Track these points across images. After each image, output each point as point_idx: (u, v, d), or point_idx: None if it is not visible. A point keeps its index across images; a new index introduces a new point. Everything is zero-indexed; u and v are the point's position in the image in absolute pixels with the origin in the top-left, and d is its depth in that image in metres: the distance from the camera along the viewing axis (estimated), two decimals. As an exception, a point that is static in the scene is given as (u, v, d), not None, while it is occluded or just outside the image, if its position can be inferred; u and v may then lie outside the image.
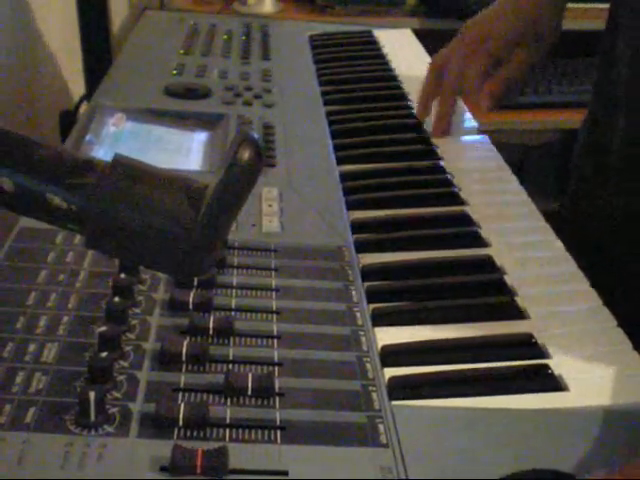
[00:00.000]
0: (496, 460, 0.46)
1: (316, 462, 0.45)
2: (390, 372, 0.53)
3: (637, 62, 0.80)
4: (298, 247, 0.66)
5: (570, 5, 1.67)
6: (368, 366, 0.53)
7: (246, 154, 0.37)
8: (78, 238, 0.63)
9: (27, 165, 0.37)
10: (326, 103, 1.00)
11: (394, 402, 0.50)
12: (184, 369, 0.51)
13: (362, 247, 0.68)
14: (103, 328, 0.51)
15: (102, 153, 0.80)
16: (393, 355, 0.55)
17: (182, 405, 0.46)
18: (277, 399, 0.49)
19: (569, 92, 1.60)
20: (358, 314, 0.58)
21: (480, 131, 0.95)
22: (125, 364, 0.50)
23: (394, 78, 1.10)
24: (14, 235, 0.63)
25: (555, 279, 0.65)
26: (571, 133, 1.81)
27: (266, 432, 0.46)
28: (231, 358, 0.52)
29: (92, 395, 0.45)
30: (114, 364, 0.49)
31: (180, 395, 0.48)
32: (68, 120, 1.22)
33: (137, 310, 0.56)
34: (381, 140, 0.90)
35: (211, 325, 0.54)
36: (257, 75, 1.05)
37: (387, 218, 0.74)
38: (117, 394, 0.48)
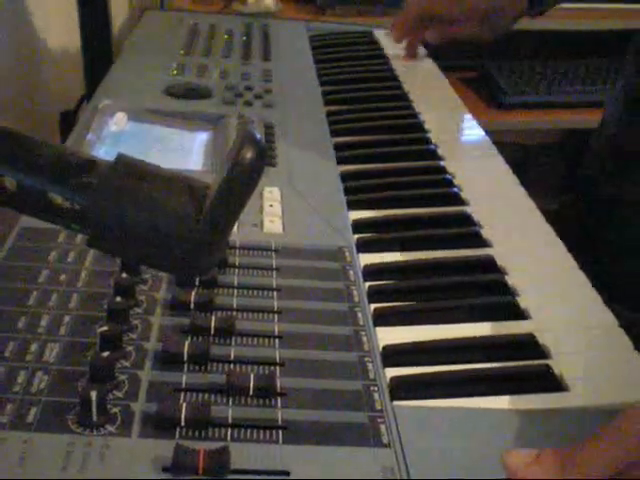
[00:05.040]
0: (497, 460, 0.46)
1: (318, 462, 0.45)
2: (391, 372, 0.53)
3: None
4: (299, 247, 0.66)
5: (570, 5, 1.68)
6: (369, 366, 0.53)
7: (249, 153, 0.37)
8: (80, 237, 0.63)
9: (29, 164, 0.37)
10: (326, 103, 1.00)
11: (396, 402, 0.50)
12: (186, 369, 0.51)
13: (363, 247, 0.68)
14: (104, 328, 0.51)
15: (102, 153, 0.80)
16: (394, 355, 0.55)
17: (184, 405, 0.46)
18: (279, 399, 0.49)
19: (569, 92, 1.60)
20: (359, 314, 0.58)
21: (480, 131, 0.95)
22: (127, 364, 0.50)
23: (394, 78, 1.10)
24: (15, 234, 0.63)
25: (556, 279, 0.65)
26: (571, 133, 1.81)
27: (268, 432, 0.46)
28: (233, 358, 0.52)
29: (94, 395, 0.45)
30: (116, 364, 0.49)
31: (182, 395, 0.48)
32: (68, 120, 1.22)
33: (139, 310, 0.56)
34: (381, 140, 0.91)
35: (212, 325, 0.54)
36: (257, 75, 1.05)
37: (388, 218, 0.74)
38: (119, 394, 0.48)
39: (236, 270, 0.61)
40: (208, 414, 0.46)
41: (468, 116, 1.00)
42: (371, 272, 0.64)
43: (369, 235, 0.70)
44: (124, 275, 0.57)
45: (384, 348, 0.56)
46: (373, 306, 0.60)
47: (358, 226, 0.71)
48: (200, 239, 0.37)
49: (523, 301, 0.61)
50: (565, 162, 1.91)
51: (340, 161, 0.84)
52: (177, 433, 0.45)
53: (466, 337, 0.58)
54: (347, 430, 0.47)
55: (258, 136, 0.38)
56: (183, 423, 0.46)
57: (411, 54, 1.19)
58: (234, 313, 0.56)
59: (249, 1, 1.57)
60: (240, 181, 0.37)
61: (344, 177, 0.80)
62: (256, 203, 0.71)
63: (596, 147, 1.00)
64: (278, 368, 0.52)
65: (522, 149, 1.85)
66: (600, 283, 0.64)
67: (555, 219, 0.75)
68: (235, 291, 0.59)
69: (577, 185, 1.03)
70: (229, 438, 0.46)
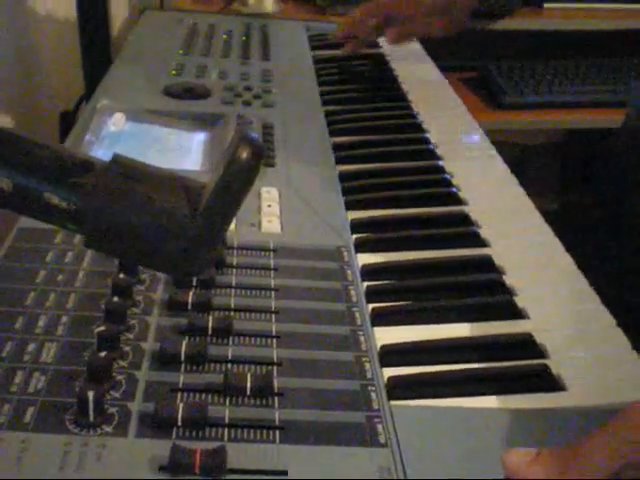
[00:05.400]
0: (495, 460, 0.46)
1: (315, 462, 0.45)
2: (389, 372, 0.53)
3: None
4: (297, 247, 0.66)
5: (571, 5, 1.67)
6: (367, 366, 0.53)
7: (245, 153, 0.37)
8: (77, 238, 0.63)
9: (26, 165, 0.37)
10: (326, 103, 1.00)
11: (393, 402, 0.50)
12: (183, 369, 0.51)
13: (361, 247, 0.68)
14: (102, 328, 0.51)
15: (101, 153, 0.80)
16: (392, 355, 0.55)
17: (181, 405, 0.46)
18: (276, 399, 0.49)
19: (569, 92, 1.60)
20: (357, 314, 0.58)
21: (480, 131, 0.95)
22: (124, 364, 0.50)
23: (394, 78, 1.10)
24: (13, 235, 0.63)
25: (554, 279, 0.65)
26: (571, 133, 1.81)
27: (265, 432, 0.46)
28: (230, 358, 0.52)
29: (91, 395, 0.45)
30: (113, 364, 0.49)
31: (179, 395, 0.48)
32: (68, 120, 1.22)
33: (136, 310, 0.56)
34: (380, 140, 0.90)
35: (210, 325, 0.54)
36: (257, 75, 1.05)
37: (386, 218, 0.74)
38: (116, 394, 0.48)
39: (234, 270, 0.61)
40: (205, 414, 0.46)
41: (468, 116, 1.00)
42: (369, 272, 0.64)
43: (367, 235, 0.70)
44: (121, 275, 0.57)
45: (382, 348, 0.56)
46: (371, 306, 0.60)
47: (356, 226, 0.71)
48: (196, 238, 0.37)
49: (521, 301, 0.61)
50: (565, 162, 1.90)
51: (338, 161, 0.84)
52: (174, 433, 0.45)
53: (464, 337, 0.58)
54: (344, 430, 0.47)
55: (254, 135, 0.38)
56: (180, 423, 0.46)
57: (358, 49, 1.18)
58: (232, 313, 0.56)
59: (249, 1, 1.57)
60: (236, 180, 0.37)
61: (342, 177, 0.80)
62: (254, 203, 0.71)
63: (619, 142, 1.00)
64: (275, 368, 0.52)
65: (522, 149, 1.84)
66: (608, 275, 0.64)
67: (555, 219, 0.75)
68: (233, 291, 0.59)
69: (593, 181, 1.03)
70: (226, 438, 0.46)
